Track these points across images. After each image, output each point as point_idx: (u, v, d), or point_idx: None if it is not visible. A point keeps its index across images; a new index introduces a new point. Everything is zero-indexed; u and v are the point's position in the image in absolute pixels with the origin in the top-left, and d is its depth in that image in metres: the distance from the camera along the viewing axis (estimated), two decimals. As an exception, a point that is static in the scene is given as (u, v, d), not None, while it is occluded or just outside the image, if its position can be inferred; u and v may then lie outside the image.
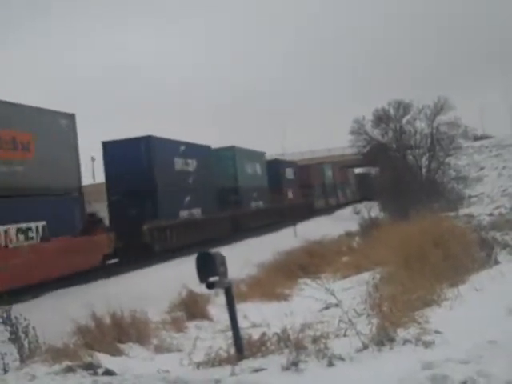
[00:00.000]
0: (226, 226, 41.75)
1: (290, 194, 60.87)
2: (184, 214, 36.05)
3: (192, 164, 38.23)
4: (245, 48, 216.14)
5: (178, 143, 36.75)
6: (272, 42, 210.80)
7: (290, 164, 65.80)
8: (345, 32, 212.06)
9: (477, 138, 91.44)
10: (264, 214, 50.82)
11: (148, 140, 32.93)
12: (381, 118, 53.11)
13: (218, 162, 43.29)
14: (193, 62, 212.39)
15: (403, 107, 52.47)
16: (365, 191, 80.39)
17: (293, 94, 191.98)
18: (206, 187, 39.59)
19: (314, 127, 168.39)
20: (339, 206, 79.35)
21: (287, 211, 56.42)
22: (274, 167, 56.88)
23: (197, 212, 37.77)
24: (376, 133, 53.91)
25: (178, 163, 36.33)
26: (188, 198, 36.88)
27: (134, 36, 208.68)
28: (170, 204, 33.99)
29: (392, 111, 52.84)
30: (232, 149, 46.21)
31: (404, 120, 52.82)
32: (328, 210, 71.16)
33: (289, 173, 61.82)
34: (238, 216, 44.36)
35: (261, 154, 54.78)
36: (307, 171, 69.25)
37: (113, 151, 32.47)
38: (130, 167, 31.85)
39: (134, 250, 30.15)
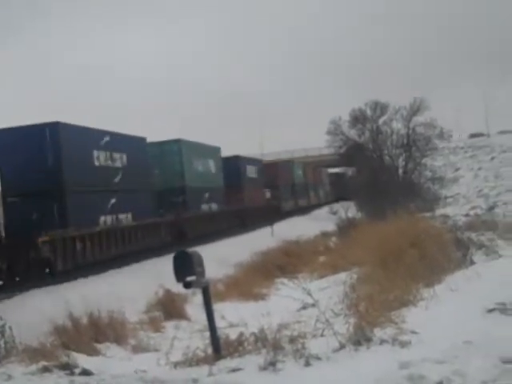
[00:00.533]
0: (165, 233, 35.34)
1: (252, 195, 52.55)
2: (107, 220, 29.23)
3: (120, 159, 31.29)
4: (241, 48, 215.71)
5: (99, 133, 29.81)
6: (272, 40, 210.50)
7: (253, 161, 58.02)
8: (339, 32, 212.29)
9: (473, 136, 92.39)
10: (218, 217, 43.65)
11: (55, 127, 26.01)
12: (357, 119, 53.26)
13: (161, 157, 37.44)
14: (192, 61, 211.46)
15: (380, 107, 52.67)
16: (340, 191, 77.59)
17: (280, 94, 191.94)
18: (141, 187, 33.01)
19: (304, 127, 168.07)
20: (311, 207, 73.58)
21: (248, 214, 50.21)
22: (233, 165, 49.85)
23: (126, 217, 30.89)
24: (353, 133, 54.10)
25: (100, 157, 29.45)
26: (113, 201, 29.91)
27: (134, 36, 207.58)
28: (84, 208, 27.17)
29: (369, 111, 53.05)
30: (178, 142, 39.31)
31: (381, 120, 53.04)
32: (298, 212, 65.02)
33: (251, 171, 54.47)
34: (183, 221, 36.91)
35: (215, 150, 47.43)
36: (274, 170, 62.09)
37: (9, 141, 25.40)
38: (31, 161, 25.14)
39: (30, 268, 23.28)
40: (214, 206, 43.68)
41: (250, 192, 52.11)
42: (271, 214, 53.51)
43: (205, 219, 40.83)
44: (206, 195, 42.39)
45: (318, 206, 77.05)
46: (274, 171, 61.82)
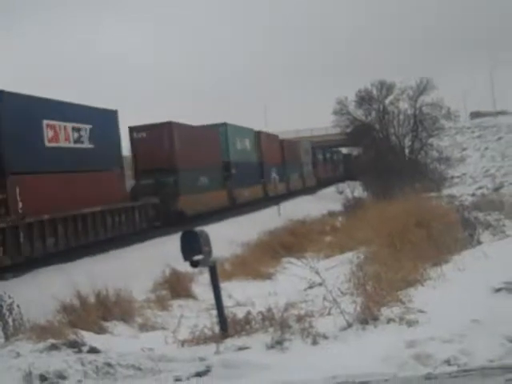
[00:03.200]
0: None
1: (68, 189, 23.79)
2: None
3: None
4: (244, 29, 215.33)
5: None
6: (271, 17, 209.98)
7: (76, 112, 26.03)
8: (334, 12, 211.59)
9: (474, 115, 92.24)
10: None
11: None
12: (364, 99, 53.11)
13: None
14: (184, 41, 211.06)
15: (386, 88, 52.50)
16: (347, 171, 73.85)
17: (279, 73, 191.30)
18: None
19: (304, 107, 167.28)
20: (270, 199, 48.47)
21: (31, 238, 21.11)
22: None
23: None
24: (359, 113, 53.97)
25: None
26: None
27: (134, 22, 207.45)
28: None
29: (375, 92, 52.90)
30: None
31: (387, 100, 52.90)
32: (235, 213, 39.39)
33: (63, 133, 24.78)
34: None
35: None
36: (164, 140, 33.30)
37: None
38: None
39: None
40: None
41: (57, 182, 23.31)
42: (139, 228, 29.03)
43: None
44: None
45: (285, 196, 53.26)
46: (168, 143, 33.43)
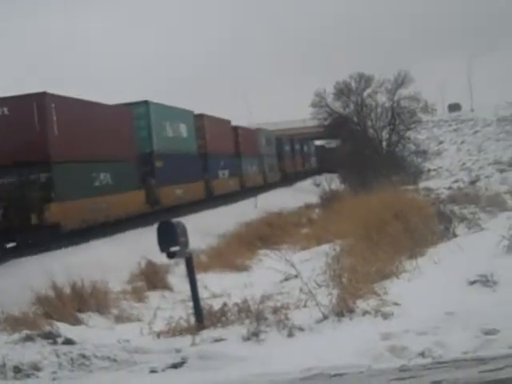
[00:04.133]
0: None
1: None
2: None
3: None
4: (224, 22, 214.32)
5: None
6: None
7: None
8: (309, 3, 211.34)
9: (451, 107, 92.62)
10: None
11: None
12: (342, 91, 53.16)
13: None
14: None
15: (364, 80, 52.61)
16: (323, 164, 72.33)
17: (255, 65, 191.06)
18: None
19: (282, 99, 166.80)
20: (215, 199, 40.04)
21: None
22: None
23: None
24: (337, 105, 54.03)
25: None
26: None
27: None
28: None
29: (353, 84, 52.98)
30: None
31: (365, 93, 53.01)
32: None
33: None
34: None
35: None
36: (39, 117, 22.30)
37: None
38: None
39: None
40: None
41: None
42: None
43: None
44: None
45: (256, 191, 46.81)
46: (40, 123, 22.43)
